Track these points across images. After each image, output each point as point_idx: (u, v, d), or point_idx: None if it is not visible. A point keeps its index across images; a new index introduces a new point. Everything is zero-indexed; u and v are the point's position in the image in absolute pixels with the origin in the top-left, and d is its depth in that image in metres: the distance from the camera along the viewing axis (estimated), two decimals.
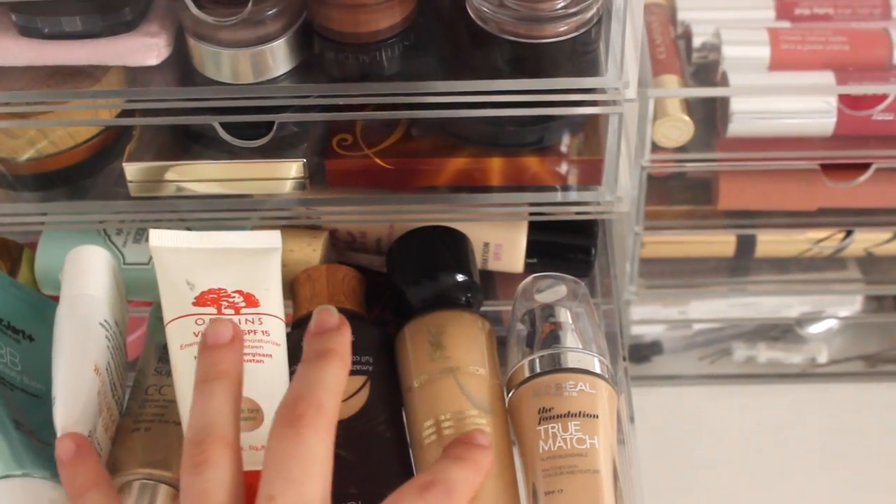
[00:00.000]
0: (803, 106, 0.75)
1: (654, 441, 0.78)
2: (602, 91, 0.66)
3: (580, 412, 0.62)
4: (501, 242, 0.74)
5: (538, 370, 0.64)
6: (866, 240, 0.82)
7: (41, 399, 0.65)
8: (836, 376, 0.88)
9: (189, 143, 0.69)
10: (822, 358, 0.88)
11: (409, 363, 0.66)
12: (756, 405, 0.87)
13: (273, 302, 0.65)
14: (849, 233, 0.82)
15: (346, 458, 0.62)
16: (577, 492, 0.60)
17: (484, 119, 0.67)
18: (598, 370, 0.64)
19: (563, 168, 0.69)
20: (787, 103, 0.76)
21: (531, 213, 0.72)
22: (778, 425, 0.85)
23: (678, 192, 0.83)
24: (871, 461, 0.83)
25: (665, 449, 0.82)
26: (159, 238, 0.64)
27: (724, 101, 0.76)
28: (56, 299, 0.66)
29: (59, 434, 0.59)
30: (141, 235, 0.73)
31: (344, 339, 0.58)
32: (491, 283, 0.78)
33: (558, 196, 0.70)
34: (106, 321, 0.64)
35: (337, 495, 0.60)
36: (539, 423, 0.62)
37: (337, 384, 0.56)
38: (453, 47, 0.68)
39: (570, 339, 0.65)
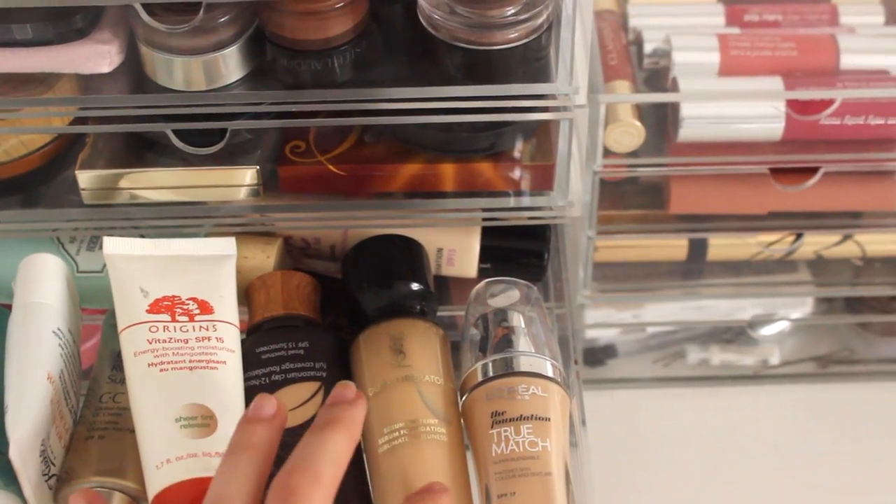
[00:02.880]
0: (752, 111, 0.76)
1: (610, 444, 0.79)
2: (553, 97, 0.67)
3: (532, 415, 0.63)
4: (455, 248, 0.74)
5: (491, 374, 0.65)
6: (816, 243, 0.83)
7: None
8: (789, 377, 0.89)
9: (142, 150, 0.69)
10: (775, 360, 0.89)
11: (364, 371, 0.67)
12: (710, 407, 0.87)
13: (227, 309, 0.66)
14: (798, 236, 0.83)
15: None
16: (529, 494, 0.61)
17: (436, 125, 0.67)
18: (550, 374, 0.65)
19: (516, 173, 0.70)
20: (736, 108, 0.76)
21: (484, 219, 0.72)
22: (731, 427, 0.86)
23: (631, 197, 0.83)
24: (822, 461, 0.84)
25: (620, 451, 0.83)
26: (113, 245, 0.64)
27: (675, 107, 0.77)
28: (8, 307, 0.65)
29: (11, 443, 0.58)
30: (95, 243, 0.73)
31: (357, 412, 0.57)
32: (445, 289, 0.78)
33: (511, 201, 0.71)
34: (59, 329, 0.64)
35: None
36: (492, 427, 0.63)
37: (338, 452, 0.55)
38: (405, 54, 0.68)
39: (522, 343, 0.66)
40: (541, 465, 0.61)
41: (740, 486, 0.83)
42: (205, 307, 0.65)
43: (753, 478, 0.83)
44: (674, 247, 0.84)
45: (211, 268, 0.66)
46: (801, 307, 0.88)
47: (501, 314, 0.68)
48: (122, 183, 0.69)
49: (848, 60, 0.78)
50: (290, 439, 0.63)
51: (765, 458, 0.84)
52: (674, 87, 0.77)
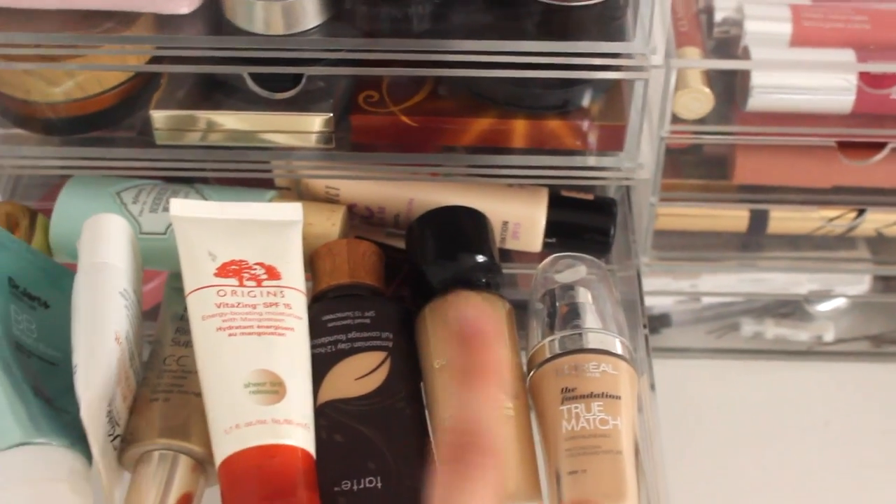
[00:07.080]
0: (823, 83, 0.75)
1: (659, 412, 0.78)
2: (629, 56, 0.66)
3: (603, 393, 0.62)
4: (520, 221, 0.74)
5: (559, 350, 0.64)
6: (877, 220, 0.82)
7: (57, 366, 0.64)
8: (842, 355, 0.88)
9: (216, 93, 0.69)
10: (829, 336, 0.89)
11: (430, 342, 0.66)
12: (761, 381, 0.87)
13: (294, 275, 0.64)
14: (861, 212, 0.82)
15: (365, 433, 0.62)
16: (600, 472, 0.60)
17: (510, 80, 0.67)
18: (619, 351, 0.64)
19: (586, 133, 0.70)
20: (807, 79, 0.75)
21: (551, 177, 0.72)
22: (783, 402, 0.86)
23: (693, 168, 0.83)
24: (873, 440, 0.84)
25: (668, 420, 0.82)
26: (180, 208, 0.63)
27: (745, 75, 0.76)
28: (70, 266, 0.65)
29: (81, 402, 0.58)
30: (158, 205, 0.72)
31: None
32: (509, 262, 0.78)
33: (578, 160, 0.71)
34: (125, 290, 0.63)
35: (355, 471, 0.60)
36: (562, 403, 0.62)
37: None
38: (484, 7, 0.68)
39: (590, 320, 0.65)
40: (612, 443, 0.61)
41: (790, 461, 0.82)
42: (272, 273, 0.64)
43: (803, 454, 0.83)
44: (735, 217, 0.83)
45: (278, 233, 0.64)
46: (857, 284, 0.88)
47: (568, 290, 0.67)
48: (196, 124, 0.68)
49: None
50: (355, 409, 0.63)
51: (815, 435, 0.84)
52: (745, 56, 0.76)
